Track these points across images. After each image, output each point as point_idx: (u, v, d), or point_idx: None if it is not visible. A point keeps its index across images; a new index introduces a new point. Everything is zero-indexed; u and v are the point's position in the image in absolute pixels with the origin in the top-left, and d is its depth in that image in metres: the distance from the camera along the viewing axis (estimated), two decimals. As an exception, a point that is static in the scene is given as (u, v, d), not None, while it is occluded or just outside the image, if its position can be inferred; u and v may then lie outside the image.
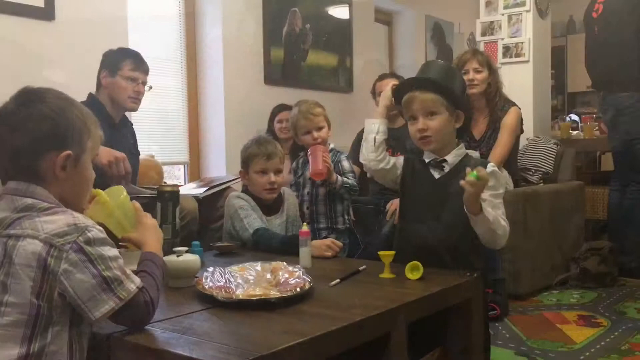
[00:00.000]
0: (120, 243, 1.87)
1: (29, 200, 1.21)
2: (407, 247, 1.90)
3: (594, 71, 4.06)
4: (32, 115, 1.23)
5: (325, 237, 2.62)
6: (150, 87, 2.79)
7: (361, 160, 2.08)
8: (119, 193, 1.52)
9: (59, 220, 1.18)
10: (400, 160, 2.03)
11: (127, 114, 2.88)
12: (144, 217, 1.49)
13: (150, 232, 1.45)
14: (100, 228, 1.23)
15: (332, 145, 2.78)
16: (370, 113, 4.13)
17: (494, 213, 1.77)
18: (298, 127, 2.74)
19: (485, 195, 1.75)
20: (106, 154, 2.33)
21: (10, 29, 2.92)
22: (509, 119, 3.41)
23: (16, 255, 1.15)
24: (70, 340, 1.19)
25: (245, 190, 2.52)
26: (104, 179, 2.26)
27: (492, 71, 3.48)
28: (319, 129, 2.70)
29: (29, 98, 1.25)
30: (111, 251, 1.21)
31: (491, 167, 1.84)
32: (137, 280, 1.25)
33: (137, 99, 2.70)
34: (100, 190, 1.48)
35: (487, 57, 3.57)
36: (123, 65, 2.65)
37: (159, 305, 1.30)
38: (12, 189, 1.23)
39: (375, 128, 2.03)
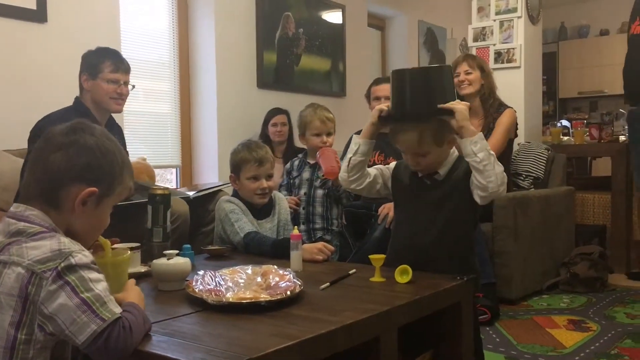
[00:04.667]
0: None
1: (21, 225, 1.18)
2: (402, 250, 1.91)
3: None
4: (78, 142, 1.23)
5: (321, 238, 2.65)
6: (133, 87, 2.72)
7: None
8: (122, 253, 1.49)
9: (43, 246, 1.14)
10: (385, 170, 2.01)
11: (119, 116, 2.87)
12: (133, 284, 1.40)
13: (135, 294, 1.34)
14: (87, 253, 1.18)
15: None
16: (363, 118, 4.19)
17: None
18: (310, 127, 2.80)
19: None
20: None
21: (2, 31, 2.91)
22: (503, 119, 3.43)
23: (1, 284, 1.13)
24: None
25: (235, 194, 2.52)
26: None
27: (485, 73, 3.49)
28: (329, 134, 2.81)
29: (81, 128, 1.26)
30: (95, 275, 1.16)
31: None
32: (119, 308, 1.18)
33: (120, 100, 2.65)
34: (108, 242, 1.43)
35: (480, 60, 3.59)
36: (103, 67, 2.59)
37: (148, 308, 1.28)
38: (12, 212, 1.21)
39: (354, 148, 1.94)
